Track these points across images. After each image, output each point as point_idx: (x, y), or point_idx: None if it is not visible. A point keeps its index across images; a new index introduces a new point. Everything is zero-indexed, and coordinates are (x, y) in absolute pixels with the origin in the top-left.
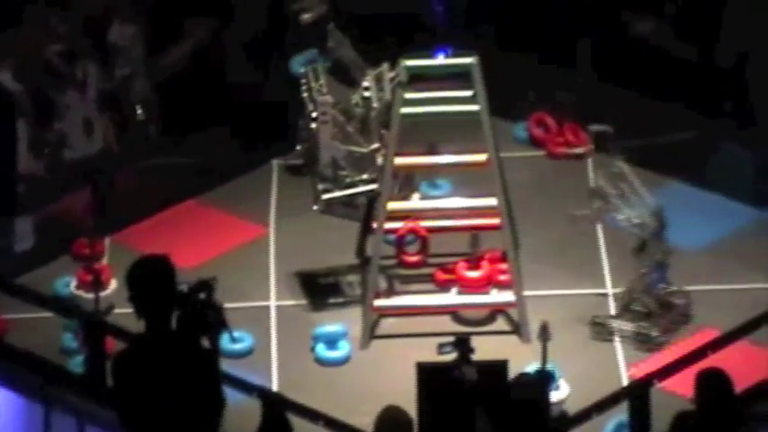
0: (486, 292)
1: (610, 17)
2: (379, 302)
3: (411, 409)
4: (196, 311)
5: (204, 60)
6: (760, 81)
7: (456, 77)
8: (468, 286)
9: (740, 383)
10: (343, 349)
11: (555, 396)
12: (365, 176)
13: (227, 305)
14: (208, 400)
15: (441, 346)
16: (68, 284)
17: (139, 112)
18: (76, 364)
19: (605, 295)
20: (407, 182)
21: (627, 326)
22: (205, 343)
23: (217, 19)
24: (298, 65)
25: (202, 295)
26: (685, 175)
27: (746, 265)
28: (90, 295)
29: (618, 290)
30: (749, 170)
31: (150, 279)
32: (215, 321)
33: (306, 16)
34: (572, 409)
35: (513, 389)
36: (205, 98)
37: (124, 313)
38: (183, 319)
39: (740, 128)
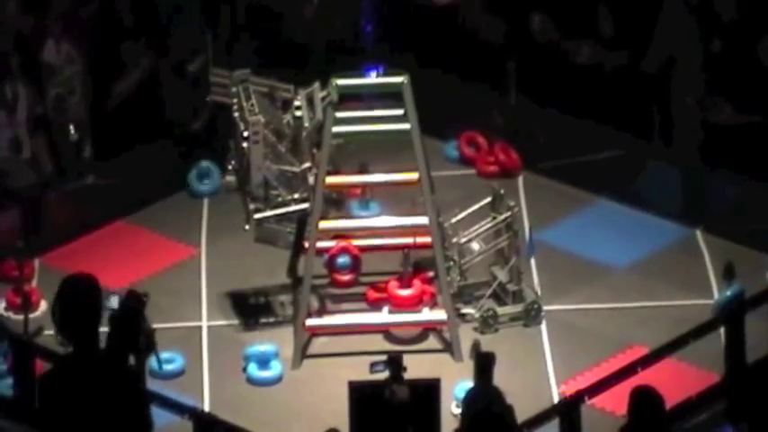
0: (418, 311)
1: (536, 39)
2: (310, 322)
3: (344, 428)
4: (129, 331)
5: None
6: (683, 99)
7: (387, 97)
8: (400, 305)
9: (669, 400)
10: (274, 369)
11: None
12: (297, 196)
13: (158, 325)
14: (133, 421)
15: (373, 365)
16: None
17: (72, 131)
18: (5, 386)
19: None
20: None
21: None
22: (131, 362)
23: (153, 44)
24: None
25: (133, 303)
26: (613, 194)
27: (673, 283)
28: (19, 317)
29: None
30: (675, 188)
31: (76, 298)
32: (145, 344)
33: (191, 66)
34: None
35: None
36: (138, 119)
37: (53, 335)
38: (115, 338)
39: (666, 145)
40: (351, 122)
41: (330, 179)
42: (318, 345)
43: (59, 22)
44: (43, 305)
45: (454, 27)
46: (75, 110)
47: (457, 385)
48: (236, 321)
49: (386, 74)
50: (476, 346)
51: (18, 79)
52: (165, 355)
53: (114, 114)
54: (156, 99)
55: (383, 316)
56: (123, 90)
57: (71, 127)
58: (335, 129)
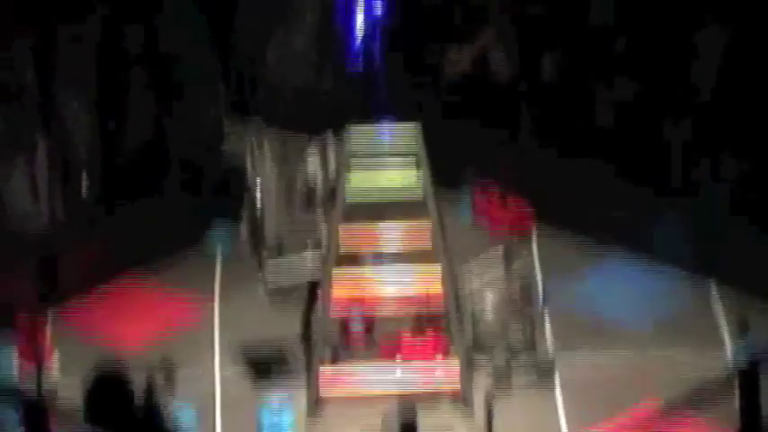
0: (431, 361)
1: (552, 88)
2: (324, 373)
3: None
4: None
5: (150, 136)
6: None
7: (400, 147)
8: (413, 355)
9: None
10: (288, 420)
11: None
12: (310, 248)
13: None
14: None
15: (386, 415)
16: (10, 358)
17: (85, 179)
18: None
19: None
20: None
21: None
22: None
23: (164, 96)
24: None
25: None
26: (627, 247)
27: (687, 337)
28: (32, 369)
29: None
30: (689, 243)
31: (104, 402)
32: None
33: (206, 117)
34: None
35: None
36: (151, 172)
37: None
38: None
39: (681, 199)
40: (364, 173)
41: (343, 229)
42: (332, 395)
43: (64, 75)
44: (56, 357)
45: (470, 80)
46: (85, 160)
47: None
48: (249, 373)
49: (398, 123)
50: (489, 397)
51: (38, 129)
52: (177, 406)
53: (127, 167)
54: (168, 151)
55: (396, 366)
56: (132, 143)
57: (83, 175)
58: (349, 178)
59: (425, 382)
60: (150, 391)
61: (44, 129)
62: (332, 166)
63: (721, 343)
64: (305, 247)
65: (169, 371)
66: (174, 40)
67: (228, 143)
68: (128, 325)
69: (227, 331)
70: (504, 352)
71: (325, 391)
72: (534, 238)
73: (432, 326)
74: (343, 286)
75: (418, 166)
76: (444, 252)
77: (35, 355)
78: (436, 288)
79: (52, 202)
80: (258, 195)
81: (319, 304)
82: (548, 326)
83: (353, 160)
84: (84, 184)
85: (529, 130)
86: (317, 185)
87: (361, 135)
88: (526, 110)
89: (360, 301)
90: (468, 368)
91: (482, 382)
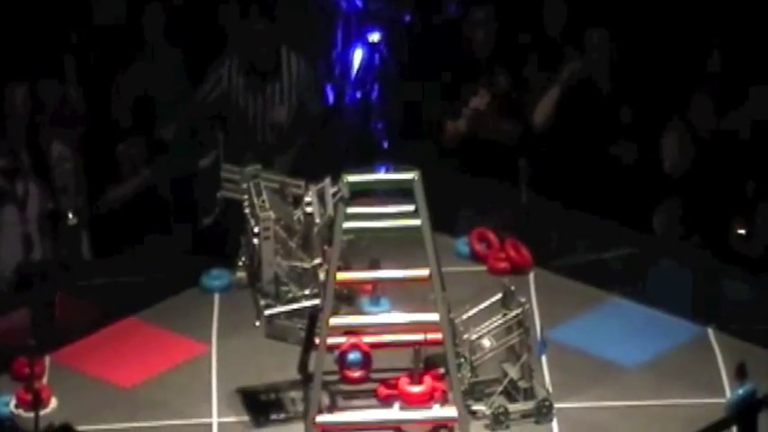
0: (429, 407)
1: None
2: (321, 418)
3: None
4: None
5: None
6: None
7: (398, 193)
8: (411, 401)
9: None
10: None
11: None
12: (307, 292)
13: (169, 422)
14: None
15: None
16: (7, 404)
17: (71, 216)
18: None
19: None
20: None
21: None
22: None
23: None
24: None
25: None
26: (625, 291)
27: (685, 381)
28: (30, 414)
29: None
30: (687, 286)
31: None
32: None
33: (202, 162)
34: None
35: None
36: (146, 216)
37: None
38: None
39: (681, 239)
40: (361, 218)
41: (341, 275)
42: None
43: (48, 119)
44: (54, 402)
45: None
46: (73, 203)
47: None
48: (246, 418)
49: (396, 170)
50: None
51: (29, 176)
52: None
53: (121, 212)
54: (165, 196)
55: (394, 412)
56: (120, 196)
57: (69, 213)
58: (346, 225)
59: (424, 424)
60: None
61: (36, 176)
62: (329, 211)
63: (720, 389)
64: (303, 291)
65: None
66: (161, 85)
67: (225, 189)
68: (125, 369)
69: (224, 377)
70: (502, 399)
71: None
72: (532, 283)
73: (430, 373)
74: (340, 329)
75: (417, 213)
76: (442, 300)
77: (33, 402)
78: (434, 335)
79: (46, 250)
80: (255, 240)
81: (315, 352)
82: (545, 371)
83: (350, 207)
84: (71, 218)
85: (527, 181)
86: (315, 229)
87: (357, 183)
88: (525, 164)
89: (357, 346)
90: (466, 416)
91: (480, 430)
